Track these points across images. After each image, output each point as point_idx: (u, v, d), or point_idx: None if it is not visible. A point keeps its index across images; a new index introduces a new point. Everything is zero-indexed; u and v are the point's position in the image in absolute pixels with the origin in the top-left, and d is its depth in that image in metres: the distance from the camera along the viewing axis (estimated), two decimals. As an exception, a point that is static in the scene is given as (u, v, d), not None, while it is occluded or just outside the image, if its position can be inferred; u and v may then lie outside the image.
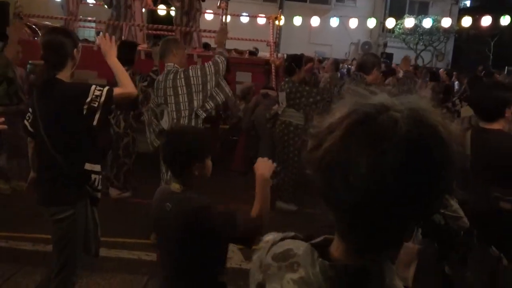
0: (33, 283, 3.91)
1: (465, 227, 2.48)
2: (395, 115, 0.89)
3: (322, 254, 1.00)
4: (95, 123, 2.97)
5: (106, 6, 8.67)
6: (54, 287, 3.16)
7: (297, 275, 1.01)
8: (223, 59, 4.76)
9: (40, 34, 8.74)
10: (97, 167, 3.12)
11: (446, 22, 18.72)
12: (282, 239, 1.15)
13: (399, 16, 22.62)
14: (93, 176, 3.08)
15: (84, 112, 2.94)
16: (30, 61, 6.86)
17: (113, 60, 3.22)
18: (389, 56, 22.61)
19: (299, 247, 1.08)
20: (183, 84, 4.60)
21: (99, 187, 3.16)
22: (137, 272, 4.41)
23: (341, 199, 0.92)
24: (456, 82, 12.22)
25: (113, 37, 3.35)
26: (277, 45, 10.79)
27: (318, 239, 1.06)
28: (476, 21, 17.03)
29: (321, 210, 0.97)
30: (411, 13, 24.75)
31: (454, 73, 14.48)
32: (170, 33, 8.99)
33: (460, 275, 2.64)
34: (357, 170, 0.88)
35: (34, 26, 8.81)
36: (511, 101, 3.18)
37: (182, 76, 4.60)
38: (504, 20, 16.53)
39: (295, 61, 5.92)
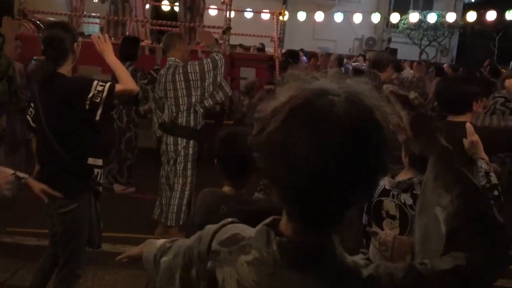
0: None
1: None
2: (332, 98, 0.93)
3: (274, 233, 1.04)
4: (97, 118, 2.99)
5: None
6: (59, 280, 3.18)
7: (251, 257, 1.04)
8: (221, 56, 4.78)
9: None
10: (99, 162, 3.15)
11: (451, 17, 18.66)
12: (223, 226, 1.20)
13: (403, 11, 22.53)
14: (95, 170, 3.10)
15: (87, 107, 2.95)
16: (34, 57, 6.87)
17: (111, 58, 3.25)
18: (394, 52, 22.49)
19: (245, 230, 1.13)
20: (182, 79, 4.65)
21: (101, 181, 3.19)
22: (142, 267, 4.41)
23: (285, 183, 0.96)
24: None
25: (106, 35, 3.38)
26: (281, 40, 10.78)
27: (268, 220, 1.09)
28: (481, 16, 16.97)
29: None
30: (415, 8, 24.61)
31: (461, 68, 14.40)
32: (173, 29, 8.99)
33: None
34: (300, 154, 0.91)
35: (38, 22, 8.80)
36: (477, 95, 3.19)
37: (181, 71, 4.65)
38: (509, 15, 16.46)
39: (291, 57, 5.89)
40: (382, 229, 2.68)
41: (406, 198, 2.57)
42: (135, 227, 4.98)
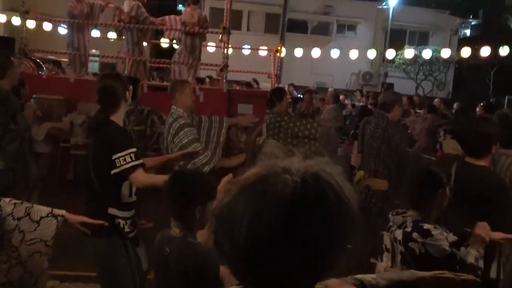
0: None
1: (445, 254, 2.55)
2: (286, 177, 0.96)
3: None
4: (112, 172, 3.02)
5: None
6: None
7: None
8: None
9: (44, 68, 8.90)
10: (121, 213, 3.12)
11: (446, 53, 18.89)
12: None
13: (399, 47, 22.84)
14: (116, 220, 3.09)
15: (109, 160, 3.02)
16: (34, 95, 6.98)
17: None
18: (390, 86, 22.75)
19: None
20: (172, 134, 4.68)
21: (128, 229, 3.15)
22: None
23: (228, 256, 0.99)
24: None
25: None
26: (278, 77, 10.93)
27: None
28: (475, 51, 17.17)
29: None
30: (411, 44, 25.01)
31: (456, 103, 14.50)
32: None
33: None
34: (239, 229, 0.94)
35: (38, 60, 8.95)
36: (496, 138, 3.23)
37: (175, 127, 4.68)
38: (503, 51, 16.68)
39: (275, 94, 5.93)
40: (382, 260, 2.84)
41: (398, 233, 2.71)
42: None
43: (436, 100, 14.33)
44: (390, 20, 25.06)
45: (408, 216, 2.73)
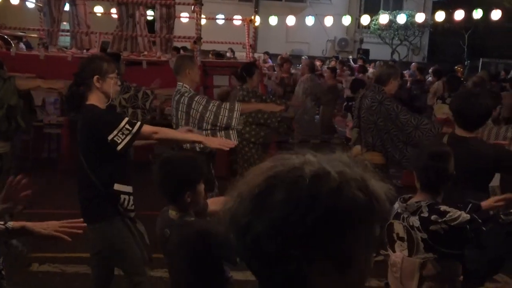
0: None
1: (466, 219, 2.56)
2: (297, 175, 0.92)
3: None
4: (119, 148, 2.99)
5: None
6: None
7: None
8: (235, 107, 4.68)
9: (13, 45, 8.67)
10: (126, 188, 3.14)
11: (420, 18, 18.93)
12: None
13: (374, 12, 22.75)
14: (122, 196, 3.10)
15: (109, 140, 2.98)
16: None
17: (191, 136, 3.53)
18: (366, 52, 22.75)
19: None
20: (184, 110, 4.56)
21: (130, 207, 3.16)
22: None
23: (236, 248, 0.96)
24: (430, 78, 12.10)
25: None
26: (253, 46, 10.84)
27: None
28: (450, 15, 17.22)
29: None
30: (386, 9, 24.87)
31: (432, 68, 14.52)
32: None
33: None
34: (247, 227, 0.91)
35: (6, 37, 8.71)
36: (492, 111, 3.25)
37: (185, 102, 4.55)
38: (477, 14, 16.76)
39: (245, 70, 5.88)
40: (394, 251, 2.81)
41: (414, 220, 2.67)
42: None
43: (412, 65, 14.38)
44: (364, -15, 24.89)
45: (420, 201, 2.69)
